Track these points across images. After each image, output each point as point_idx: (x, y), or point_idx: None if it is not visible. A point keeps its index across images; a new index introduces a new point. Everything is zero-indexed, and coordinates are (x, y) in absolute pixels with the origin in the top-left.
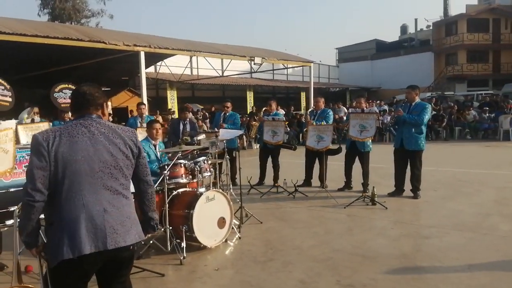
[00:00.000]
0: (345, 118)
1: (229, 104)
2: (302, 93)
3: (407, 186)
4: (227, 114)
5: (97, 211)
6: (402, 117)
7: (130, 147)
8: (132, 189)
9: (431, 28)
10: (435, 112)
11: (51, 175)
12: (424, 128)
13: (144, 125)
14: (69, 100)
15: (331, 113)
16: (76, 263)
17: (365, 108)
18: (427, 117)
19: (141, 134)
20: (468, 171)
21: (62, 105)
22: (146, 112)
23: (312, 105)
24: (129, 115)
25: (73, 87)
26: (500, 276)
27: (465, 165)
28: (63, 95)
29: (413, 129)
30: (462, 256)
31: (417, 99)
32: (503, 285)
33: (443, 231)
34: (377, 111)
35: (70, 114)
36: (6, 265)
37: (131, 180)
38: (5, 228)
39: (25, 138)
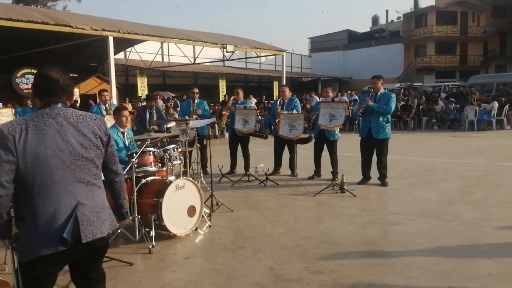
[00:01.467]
0: (309, 106)
1: (197, 90)
2: (274, 82)
3: (374, 174)
4: (196, 101)
5: (71, 205)
6: (370, 107)
7: (99, 136)
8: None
9: (401, 19)
10: (404, 103)
11: (19, 170)
12: (389, 117)
13: (111, 112)
14: (30, 86)
15: (298, 101)
16: (51, 258)
17: (333, 98)
18: (393, 106)
19: (109, 121)
20: (434, 160)
21: (24, 91)
22: (109, 98)
23: (280, 95)
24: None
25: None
26: (462, 261)
27: (432, 154)
28: (25, 80)
29: (381, 118)
30: (427, 242)
31: (382, 89)
32: (465, 270)
33: (409, 218)
34: (347, 100)
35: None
36: None
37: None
38: None
39: None
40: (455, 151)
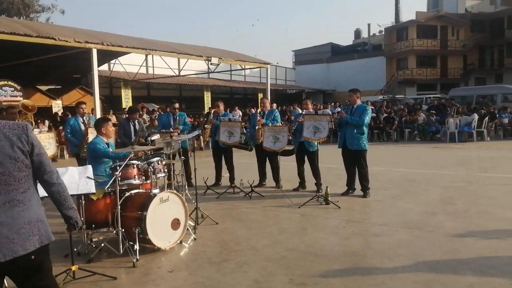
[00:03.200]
0: (293, 118)
1: (177, 105)
2: (259, 94)
3: (358, 184)
4: (176, 115)
5: None
6: (344, 119)
7: (18, 147)
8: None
9: (383, 33)
10: (387, 115)
11: None
12: (365, 129)
13: (92, 124)
14: (10, 98)
15: (277, 113)
16: None
17: (311, 110)
18: (367, 118)
19: (92, 133)
20: (417, 171)
21: (3, 103)
22: (87, 111)
23: (261, 106)
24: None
25: (14, 84)
26: (444, 272)
27: (414, 165)
28: (3, 92)
29: (355, 130)
30: (410, 253)
31: (358, 102)
32: (447, 280)
33: (392, 229)
34: (330, 113)
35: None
36: None
37: (31, 180)
38: None
39: None
40: (437, 162)
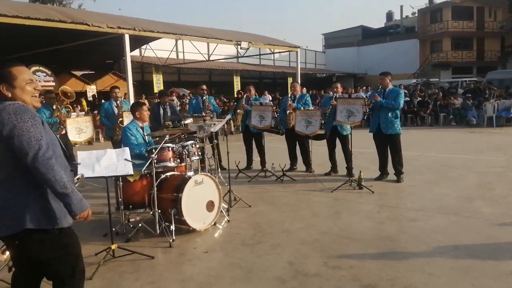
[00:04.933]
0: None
1: (205, 87)
2: (289, 78)
3: (391, 169)
4: (204, 98)
5: None
6: (379, 102)
7: None
8: None
9: (416, 15)
10: (420, 99)
11: None
12: (398, 113)
13: (128, 108)
14: (43, 83)
15: (308, 97)
16: None
17: (341, 93)
18: (402, 101)
19: (127, 118)
20: (453, 156)
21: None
22: (120, 95)
23: (291, 91)
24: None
25: (46, 70)
26: (483, 258)
27: (450, 150)
28: (36, 77)
29: (390, 114)
30: (447, 238)
31: (390, 85)
32: (486, 267)
33: (428, 214)
34: (364, 96)
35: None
36: None
37: (17, 166)
38: None
39: None
40: (474, 147)
